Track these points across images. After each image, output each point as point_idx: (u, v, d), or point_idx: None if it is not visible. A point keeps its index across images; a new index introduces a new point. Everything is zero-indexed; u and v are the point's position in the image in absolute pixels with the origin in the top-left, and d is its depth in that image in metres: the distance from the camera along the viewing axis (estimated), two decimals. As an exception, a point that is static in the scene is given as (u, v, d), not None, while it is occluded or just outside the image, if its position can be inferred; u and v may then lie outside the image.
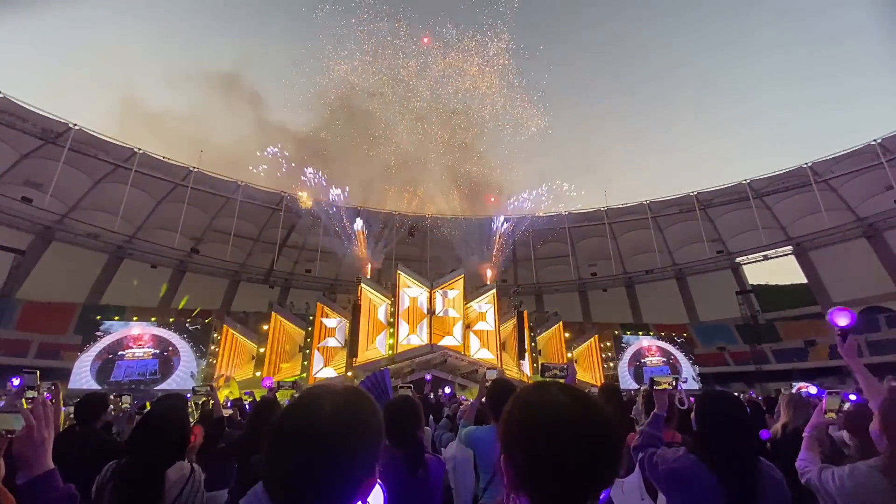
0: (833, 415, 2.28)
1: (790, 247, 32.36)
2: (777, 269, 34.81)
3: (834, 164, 28.00)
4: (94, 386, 18.94)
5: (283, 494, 0.75)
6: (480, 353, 21.18)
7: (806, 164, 28.35)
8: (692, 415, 2.00)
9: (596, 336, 27.12)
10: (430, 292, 21.39)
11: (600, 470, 0.73)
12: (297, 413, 0.80)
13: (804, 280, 32.22)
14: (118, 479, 1.91)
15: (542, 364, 2.87)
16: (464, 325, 21.37)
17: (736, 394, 2.27)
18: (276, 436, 0.78)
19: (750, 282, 34.15)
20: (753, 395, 12.26)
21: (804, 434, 2.19)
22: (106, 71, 41.07)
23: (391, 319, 20.77)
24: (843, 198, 29.37)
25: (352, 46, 35.52)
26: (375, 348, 20.61)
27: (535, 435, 0.74)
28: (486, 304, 22.53)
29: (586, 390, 1.02)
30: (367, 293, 21.71)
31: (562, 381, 2.63)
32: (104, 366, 19.97)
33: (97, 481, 1.98)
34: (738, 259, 34.44)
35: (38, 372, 3.12)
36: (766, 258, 33.64)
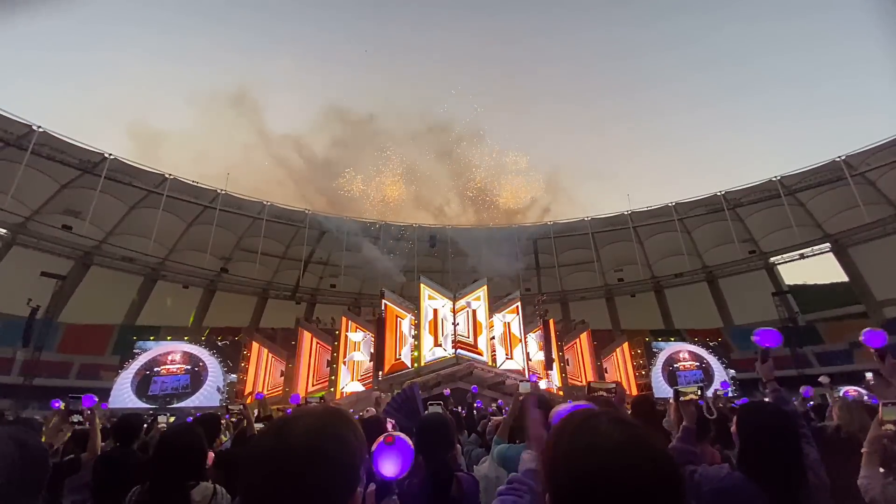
0: (892, 426, 2.13)
1: (828, 244, 30.98)
2: (815, 269, 33.38)
3: (869, 155, 26.81)
4: (135, 400, 20.04)
5: None
6: (507, 364, 20.93)
7: (839, 157, 27.21)
8: (732, 427, 1.91)
9: (626, 343, 26.48)
10: (454, 303, 21.33)
11: None
12: (267, 438, 0.80)
13: (845, 278, 30.75)
14: (144, 501, 1.96)
15: (589, 384, 2.73)
16: (489, 336, 21.19)
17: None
18: (247, 461, 0.77)
19: (786, 282, 32.75)
20: (795, 403, 11.66)
21: (863, 450, 2.06)
22: (117, 94, 43.03)
23: (415, 332, 20.77)
24: (882, 191, 28.02)
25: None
26: (401, 361, 20.60)
27: (586, 480, 0.66)
28: (510, 314, 22.31)
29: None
30: (391, 306, 21.80)
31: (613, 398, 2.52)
32: (143, 381, 21.00)
33: (127, 501, 2.03)
34: (772, 259, 33.15)
35: (82, 398, 3.24)
36: (802, 257, 32.27)
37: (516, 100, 60.71)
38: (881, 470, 1.96)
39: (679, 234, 32.02)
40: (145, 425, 5.83)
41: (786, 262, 33.02)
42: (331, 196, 34.80)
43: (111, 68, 42.95)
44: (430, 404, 3.07)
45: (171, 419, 5.32)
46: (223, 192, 29.92)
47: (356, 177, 35.81)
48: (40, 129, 23.85)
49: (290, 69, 51.29)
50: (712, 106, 53.00)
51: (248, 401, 18.67)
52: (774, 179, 29.42)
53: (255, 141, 47.00)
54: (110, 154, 26.07)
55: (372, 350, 21.47)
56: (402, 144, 40.13)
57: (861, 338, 2.36)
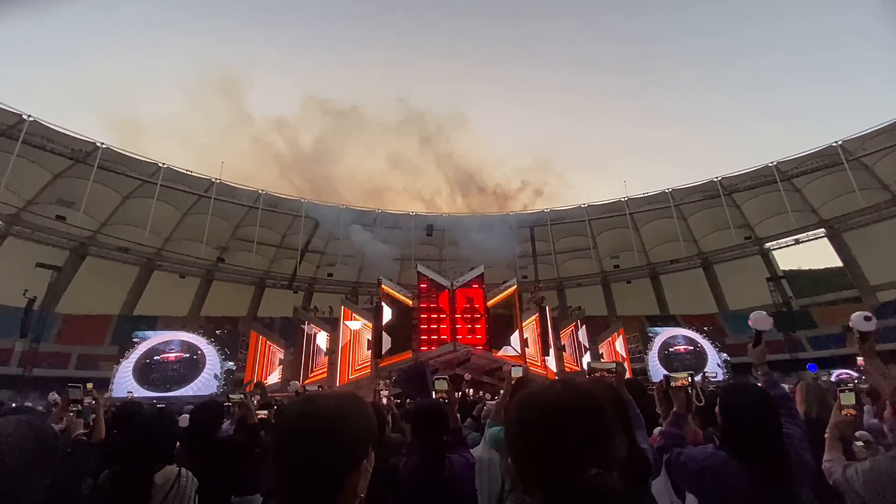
0: (851, 411, 2.20)
1: (822, 229, 31.16)
2: (810, 254, 33.63)
3: (866, 140, 26.80)
4: (138, 388, 20.20)
5: (285, 486, 0.85)
6: (504, 350, 21.09)
7: (836, 142, 27.19)
8: (716, 409, 1.95)
9: (622, 329, 26.69)
10: (451, 290, 21.40)
11: (588, 446, 0.75)
12: (294, 406, 0.94)
13: (839, 263, 31.00)
14: (111, 483, 2.06)
15: (589, 364, 2.78)
16: (485, 323, 21.31)
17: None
18: (275, 426, 0.92)
19: (781, 267, 33.01)
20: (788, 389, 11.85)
21: (825, 435, 2.12)
22: (102, 84, 42.43)
23: (413, 320, 20.87)
24: (878, 175, 28.10)
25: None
26: (398, 348, 20.72)
27: (526, 426, 0.78)
28: (507, 301, 22.41)
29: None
30: (389, 294, 21.85)
31: (612, 379, 2.56)
32: (143, 369, 21.18)
33: (99, 484, 2.14)
34: (767, 244, 33.35)
35: (81, 386, 3.28)
36: (797, 242, 32.49)
37: (510, 85, 60.31)
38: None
39: (675, 221, 32.09)
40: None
41: (781, 247, 33.24)
42: (318, 183, 34.76)
43: (95, 56, 42.29)
44: (437, 379, 3.15)
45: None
46: (217, 180, 29.70)
47: (343, 163, 35.78)
48: (31, 118, 23.52)
49: (275, 56, 50.67)
50: (710, 92, 52.79)
51: (248, 389, 18.82)
52: (771, 165, 29.44)
53: (242, 128, 46.71)
54: (102, 143, 25.77)
55: (370, 338, 21.58)
56: (391, 132, 40.11)
57: (851, 322, 2.40)
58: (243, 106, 48.63)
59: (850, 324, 2.37)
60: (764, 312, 2.38)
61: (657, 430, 2.28)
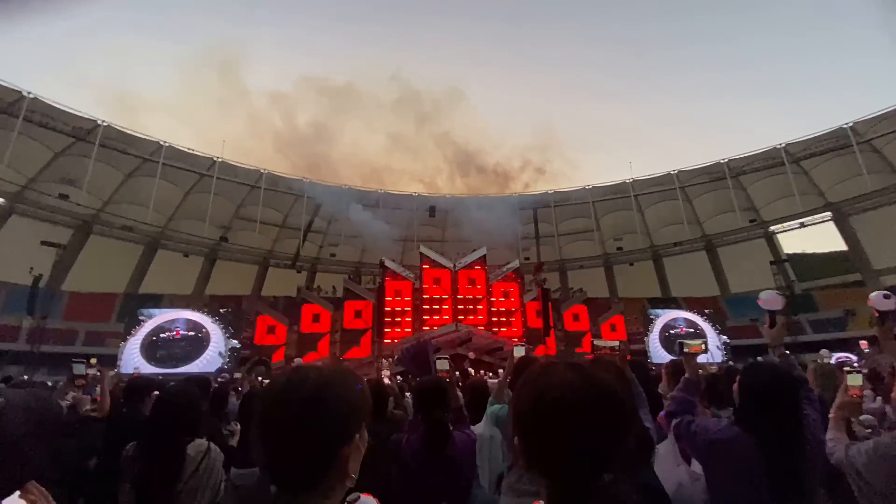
0: (857, 392, 2.19)
1: (829, 213, 30.87)
2: (815, 237, 33.30)
3: (877, 122, 26.31)
4: (146, 364, 20.59)
5: (268, 460, 0.81)
6: (505, 330, 21.27)
7: (846, 124, 26.71)
8: (734, 386, 1.94)
9: (623, 311, 26.82)
10: (453, 272, 21.48)
11: (609, 446, 0.75)
12: (281, 379, 0.88)
13: (844, 247, 30.81)
14: (143, 455, 2.07)
15: (592, 341, 2.81)
16: (487, 303, 21.44)
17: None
18: (262, 398, 0.87)
19: (785, 251, 32.83)
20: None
21: (830, 415, 2.12)
22: (99, 61, 41.76)
23: (416, 301, 21.02)
24: (888, 158, 27.67)
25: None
26: (400, 329, 20.93)
27: (543, 416, 0.76)
28: (509, 282, 22.50)
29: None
30: (391, 274, 21.95)
31: (616, 356, 2.57)
32: (150, 346, 21.59)
33: (123, 455, 2.16)
34: (772, 228, 33.12)
35: (85, 361, 3.32)
36: (802, 226, 32.23)
37: (509, 63, 59.17)
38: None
39: (680, 203, 31.86)
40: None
41: (786, 230, 33.01)
42: (316, 162, 34.54)
43: (89, 34, 41.53)
44: (438, 359, 3.19)
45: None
46: (219, 159, 29.54)
47: (341, 144, 35.54)
48: (31, 96, 23.30)
49: (269, 33, 49.70)
50: (717, 73, 51.66)
51: (252, 365, 19.09)
52: (779, 147, 29.01)
53: (240, 106, 46.13)
54: (103, 121, 25.57)
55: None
56: (388, 110, 39.66)
57: (870, 301, 2.37)
58: (239, 83, 47.72)
59: (869, 303, 2.35)
60: (774, 291, 2.34)
61: (671, 393, 2.27)
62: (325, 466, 0.81)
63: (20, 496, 0.97)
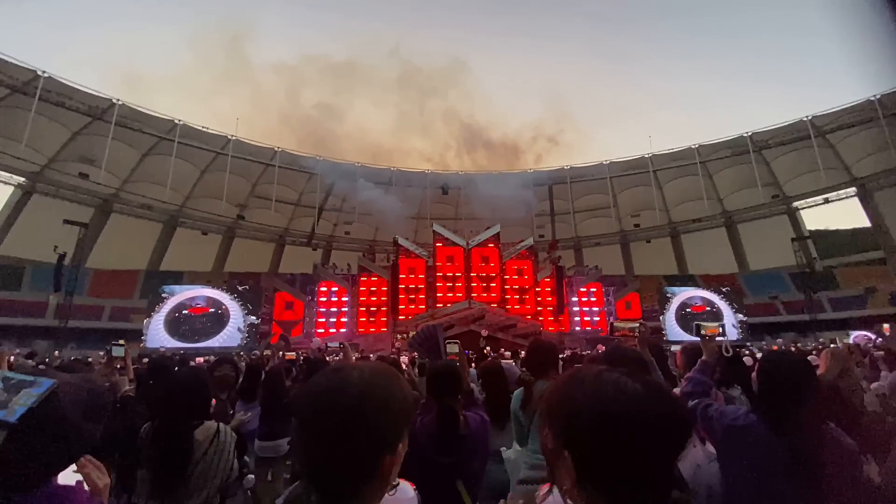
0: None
1: (853, 188, 29.80)
2: (837, 213, 32.26)
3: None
4: (170, 339, 21.46)
5: (311, 469, 0.79)
6: (518, 307, 21.34)
7: (874, 96, 25.44)
8: (754, 374, 1.92)
9: (639, 289, 26.59)
10: (466, 249, 21.48)
11: (675, 462, 0.73)
12: (323, 377, 0.85)
13: (867, 223, 29.84)
14: (153, 437, 2.13)
15: (612, 323, 2.79)
16: (500, 281, 21.47)
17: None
18: (304, 398, 0.83)
19: (808, 227, 31.93)
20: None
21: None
22: (109, 40, 41.68)
23: (429, 278, 21.15)
24: (920, 131, 26.39)
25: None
26: (415, 305, 21.16)
27: (609, 429, 0.69)
28: (522, 259, 22.44)
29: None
30: (405, 252, 22.06)
31: (635, 338, 2.56)
32: (174, 322, 22.36)
33: (139, 437, 2.21)
34: (795, 203, 32.17)
35: (124, 343, 3.42)
36: (826, 202, 31.22)
37: (518, 34, 57.32)
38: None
39: (700, 178, 31.04)
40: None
41: (809, 206, 32.03)
42: (325, 140, 34.41)
43: (99, 12, 41.40)
44: (448, 342, 3.23)
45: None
46: (234, 137, 29.61)
47: (348, 124, 35.31)
48: (46, 75, 23.46)
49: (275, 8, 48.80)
50: (742, 41, 49.36)
51: (272, 341, 19.59)
52: (805, 120, 27.88)
53: (249, 84, 45.79)
54: (118, 100, 25.71)
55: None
56: (392, 88, 39.01)
57: None
58: (246, 60, 47.27)
59: None
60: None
61: (688, 374, 2.26)
62: (369, 476, 0.79)
63: (75, 470, 1.06)
